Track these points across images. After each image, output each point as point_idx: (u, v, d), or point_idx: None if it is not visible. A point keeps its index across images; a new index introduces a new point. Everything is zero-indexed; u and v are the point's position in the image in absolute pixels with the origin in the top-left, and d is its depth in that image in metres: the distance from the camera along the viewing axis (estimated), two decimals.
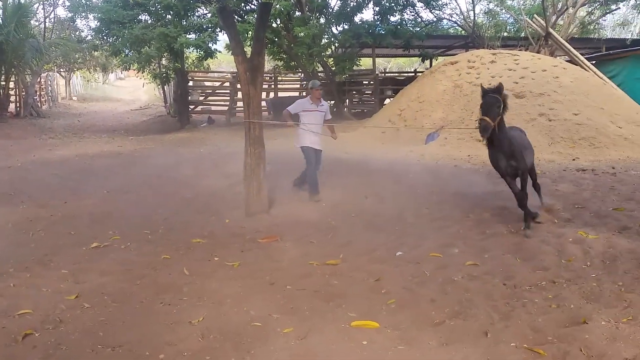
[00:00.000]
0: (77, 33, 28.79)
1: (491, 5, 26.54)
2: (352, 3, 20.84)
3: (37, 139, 18.04)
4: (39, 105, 27.49)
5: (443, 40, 26.02)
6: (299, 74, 25.09)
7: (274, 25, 19.83)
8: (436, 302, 4.41)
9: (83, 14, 22.31)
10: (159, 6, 19.30)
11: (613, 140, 12.42)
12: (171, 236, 6.55)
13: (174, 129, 21.29)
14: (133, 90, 44.50)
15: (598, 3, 25.04)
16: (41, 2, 26.75)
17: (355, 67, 22.21)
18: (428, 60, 24.96)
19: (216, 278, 5.08)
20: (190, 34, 19.19)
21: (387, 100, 22.80)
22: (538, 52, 20.11)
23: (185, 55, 22.54)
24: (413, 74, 26.00)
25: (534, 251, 5.60)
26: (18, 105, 24.53)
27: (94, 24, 22.26)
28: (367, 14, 62.93)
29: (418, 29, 21.61)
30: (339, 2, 21.29)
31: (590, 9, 26.18)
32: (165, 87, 28.13)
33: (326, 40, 20.79)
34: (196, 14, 20.33)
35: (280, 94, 25.74)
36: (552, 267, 5.11)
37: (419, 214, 7.36)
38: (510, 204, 6.76)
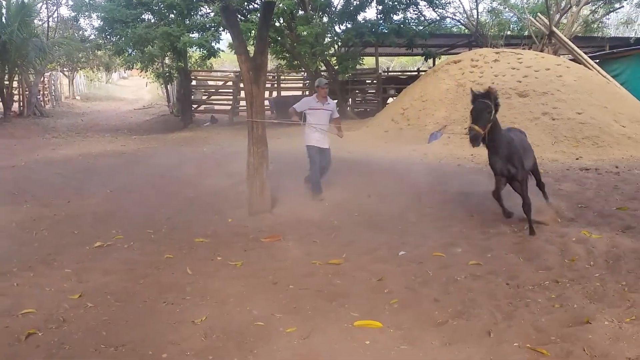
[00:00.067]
0: (81, 32, 28.82)
1: (494, 4, 26.47)
2: (355, 2, 20.81)
3: (40, 138, 18.08)
4: (43, 104, 27.56)
5: (446, 39, 26.00)
6: (302, 73, 25.07)
7: (277, 24, 19.83)
8: (439, 301, 4.41)
9: (86, 13, 22.28)
10: (162, 5, 19.30)
11: (617, 139, 12.39)
12: (174, 235, 6.56)
13: (177, 128, 21.32)
14: (136, 89, 44.51)
15: (602, 1, 24.96)
16: (44, 2, 26.91)
17: (358, 66, 22.19)
18: (431, 59, 24.90)
19: (219, 277, 5.08)
20: (193, 33, 19.19)
21: (390, 100, 22.79)
22: (541, 50, 20.05)
23: (188, 54, 22.57)
24: (416, 73, 25.96)
25: (537, 251, 5.58)
26: (21, 104, 24.59)
27: (97, 23, 22.27)
28: (370, 13, 63.12)
29: (421, 27, 21.58)
30: (342, 0, 21.28)
31: (593, 8, 26.09)
32: (168, 86, 28.14)
33: (329, 39, 20.77)
34: (199, 13, 20.33)
35: (283, 93, 25.75)
36: (556, 267, 5.11)
37: (421, 213, 7.35)
38: (510, 202, 6.73)
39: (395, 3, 20.92)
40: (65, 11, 40.53)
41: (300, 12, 20.20)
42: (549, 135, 12.71)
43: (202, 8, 20.22)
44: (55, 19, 29.22)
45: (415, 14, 22.39)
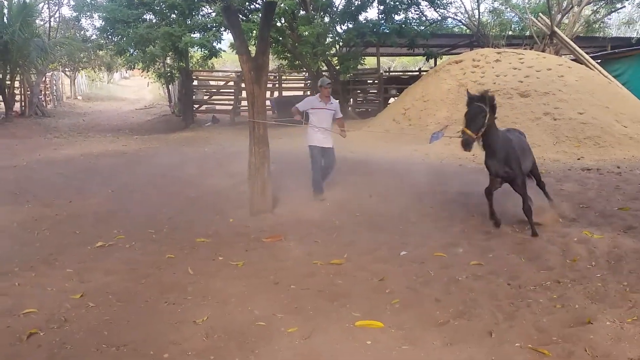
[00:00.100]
0: (82, 32, 28.88)
1: (496, 4, 26.44)
2: (356, 2, 20.81)
3: (42, 138, 18.10)
4: (44, 104, 27.61)
5: (448, 39, 26.00)
6: (304, 73, 25.08)
7: (279, 24, 19.83)
8: (440, 301, 4.40)
9: (88, 14, 22.34)
10: (163, 5, 19.33)
11: (618, 140, 12.38)
12: (176, 235, 6.56)
13: (179, 128, 21.34)
14: (138, 89, 44.57)
15: (603, 2, 24.94)
16: (46, 2, 26.97)
17: (359, 66, 22.18)
18: (432, 59, 24.89)
19: (220, 277, 5.08)
20: (194, 33, 19.23)
21: (391, 100, 22.80)
22: (543, 50, 20.05)
23: (189, 54, 22.60)
24: (417, 73, 25.97)
25: (539, 251, 5.58)
26: (23, 104, 24.62)
27: (98, 23, 22.34)
28: (372, 13, 63.09)
29: (422, 27, 21.57)
30: (343, 1, 21.27)
31: (595, 8, 26.07)
32: (169, 86, 28.18)
33: (330, 39, 20.75)
34: (201, 13, 20.37)
35: (285, 93, 25.76)
36: (557, 267, 5.10)
37: (423, 214, 7.34)
38: (510, 203, 6.73)
39: (397, 3, 20.91)
40: (66, 11, 40.47)
41: (302, 12, 20.20)
42: (551, 135, 12.70)
43: (203, 8, 20.25)
44: (57, 19, 29.27)
45: (417, 14, 22.42)
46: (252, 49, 8.31)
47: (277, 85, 26.09)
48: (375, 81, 23.98)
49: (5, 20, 21.32)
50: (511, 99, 13.89)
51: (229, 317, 4.18)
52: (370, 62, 26.85)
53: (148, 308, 4.39)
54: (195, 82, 23.82)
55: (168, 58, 24.16)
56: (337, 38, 21.15)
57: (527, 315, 4.09)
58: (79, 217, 7.46)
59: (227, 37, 20.28)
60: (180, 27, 18.34)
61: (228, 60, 38.80)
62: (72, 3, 23.58)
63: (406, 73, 32.27)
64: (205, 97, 24.31)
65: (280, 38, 20.56)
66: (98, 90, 42.53)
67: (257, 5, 20.60)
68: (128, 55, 20.92)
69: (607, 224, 6.42)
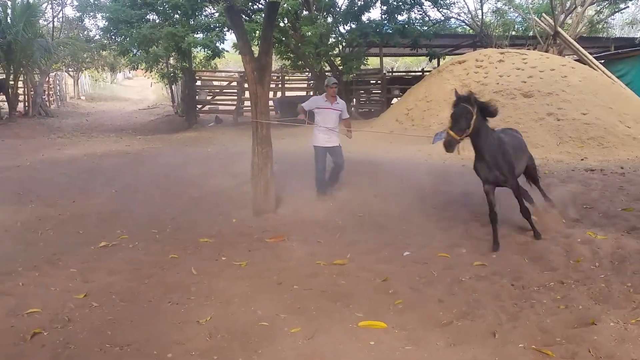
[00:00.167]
0: (86, 32, 28.95)
1: (499, 4, 26.46)
2: (359, 2, 20.79)
3: (45, 138, 18.13)
4: (48, 104, 27.63)
5: (451, 40, 25.95)
6: (307, 73, 25.08)
7: (282, 24, 19.83)
8: (444, 302, 4.40)
9: (91, 14, 22.42)
10: (166, 6, 19.34)
11: (622, 140, 12.35)
12: (179, 235, 6.57)
13: (182, 128, 21.35)
14: (141, 89, 44.67)
15: (607, 2, 24.88)
16: (50, 2, 26.96)
17: (362, 67, 22.16)
18: (436, 60, 24.88)
19: (224, 277, 5.09)
20: (198, 33, 19.22)
21: (394, 100, 22.77)
22: (546, 51, 20.01)
23: (192, 54, 22.59)
24: (420, 73, 25.95)
25: (542, 252, 5.57)
26: (27, 104, 24.68)
27: (102, 23, 22.40)
28: (375, 13, 62.87)
29: (426, 28, 21.52)
30: (346, 1, 21.26)
31: (598, 8, 26.02)
32: (173, 86, 28.19)
33: (333, 40, 20.75)
34: (204, 13, 20.36)
35: (288, 94, 25.75)
36: (561, 268, 5.09)
37: (426, 214, 7.34)
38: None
39: (400, 3, 20.87)
40: (70, 11, 40.72)
41: (305, 13, 20.21)
42: (554, 135, 12.67)
43: (206, 8, 20.25)
44: (61, 19, 29.32)
45: (420, 14, 22.34)
46: (255, 49, 8.33)
47: (280, 86, 26.09)
48: (378, 81, 23.94)
49: (8, 20, 21.37)
50: (514, 99, 13.86)
51: (232, 317, 4.18)
52: (373, 62, 26.86)
53: (151, 308, 4.39)
54: (198, 83, 23.84)
55: (171, 58, 24.17)
56: (340, 38, 21.15)
57: (530, 315, 4.09)
58: (83, 217, 7.47)
59: (230, 37, 20.27)
60: (184, 28, 18.35)
61: (231, 61, 38.82)
62: (76, 3, 23.70)
63: (409, 73, 32.25)
64: (209, 98, 24.32)
65: (283, 38, 20.55)
66: (101, 90, 42.61)
67: (260, 6, 20.59)
68: (131, 55, 20.94)
69: (611, 225, 6.40)
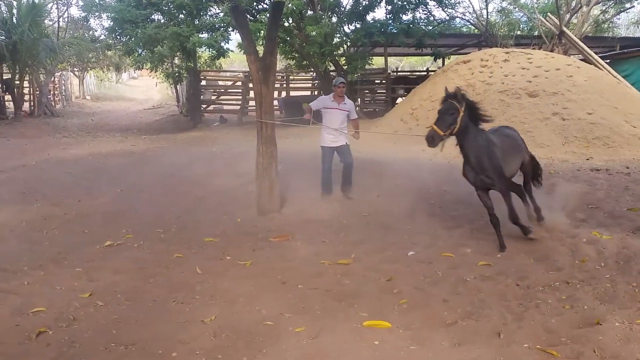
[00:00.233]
0: (91, 32, 29.06)
1: (504, 4, 26.36)
2: (364, 2, 20.76)
3: (51, 138, 18.19)
4: (53, 104, 27.76)
5: (456, 39, 25.91)
6: (311, 73, 25.09)
7: (286, 24, 19.82)
8: (448, 302, 4.40)
9: (96, 14, 22.44)
10: (171, 5, 19.36)
11: (627, 140, 12.30)
12: (184, 235, 6.58)
13: (187, 128, 21.40)
14: (146, 89, 44.74)
15: (612, 1, 24.80)
16: (55, 2, 27.10)
17: (367, 66, 22.14)
18: (440, 59, 24.82)
19: (228, 277, 5.10)
20: (202, 33, 19.26)
21: (399, 100, 22.74)
22: (552, 50, 19.95)
23: (197, 54, 22.65)
24: (425, 73, 25.91)
25: (548, 251, 5.55)
26: (32, 104, 24.76)
27: (107, 23, 22.45)
28: (379, 13, 62.95)
29: (430, 27, 21.47)
30: (351, 0, 21.25)
31: (604, 8, 25.93)
32: (177, 86, 28.25)
33: (338, 39, 20.73)
34: (209, 13, 20.39)
35: (293, 93, 25.76)
36: (566, 268, 5.08)
37: (431, 214, 7.33)
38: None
39: (405, 3, 20.83)
40: (75, 11, 40.81)
41: (309, 12, 20.20)
42: (560, 135, 12.64)
43: (211, 8, 20.27)
44: (66, 19, 29.45)
45: (425, 14, 22.31)
46: (260, 49, 8.33)
47: (284, 85, 26.10)
48: (383, 81, 23.93)
49: (14, 20, 21.47)
50: (520, 99, 13.83)
51: (237, 317, 4.19)
52: (377, 62, 26.81)
53: (156, 307, 4.41)
54: (203, 82, 23.85)
55: (176, 58, 24.22)
56: (344, 38, 21.13)
57: (535, 315, 4.08)
58: (88, 216, 7.50)
59: (235, 37, 20.39)
60: (189, 27, 18.37)
61: (236, 61, 38.88)
62: (81, 3, 23.74)
63: (414, 73, 32.25)
64: (213, 97, 24.34)
65: (288, 38, 20.55)
66: (106, 90, 42.74)
67: (264, 6, 20.60)
68: (136, 55, 21.01)
69: (616, 225, 6.38)
